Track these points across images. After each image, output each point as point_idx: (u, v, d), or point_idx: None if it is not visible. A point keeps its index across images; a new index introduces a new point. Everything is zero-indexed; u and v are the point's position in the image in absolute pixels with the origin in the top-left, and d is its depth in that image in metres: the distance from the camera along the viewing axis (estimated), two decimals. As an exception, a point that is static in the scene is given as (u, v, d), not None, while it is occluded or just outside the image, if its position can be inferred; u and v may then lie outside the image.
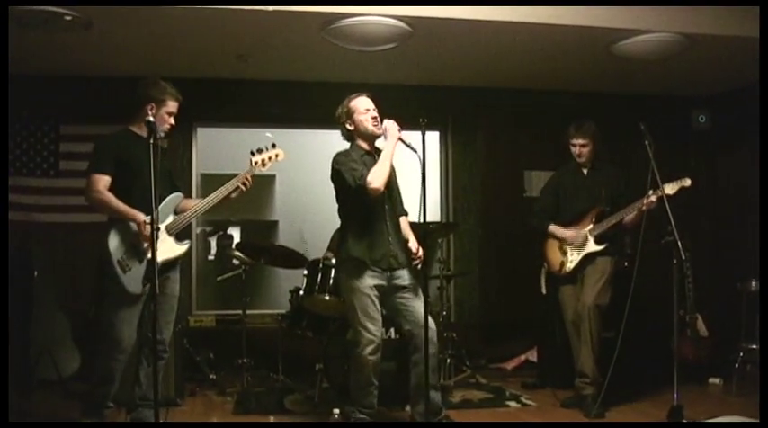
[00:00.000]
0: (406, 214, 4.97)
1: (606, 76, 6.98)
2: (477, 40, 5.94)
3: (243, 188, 4.69)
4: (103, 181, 4.40)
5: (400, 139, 4.53)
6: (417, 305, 4.64)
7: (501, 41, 6.00)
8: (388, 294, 4.70)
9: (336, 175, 4.66)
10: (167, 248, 4.50)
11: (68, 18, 5.15)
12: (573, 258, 5.52)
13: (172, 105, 4.56)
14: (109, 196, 4.40)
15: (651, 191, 5.07)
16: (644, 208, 5.12)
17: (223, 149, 7.54)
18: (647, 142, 4.90)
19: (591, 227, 5.48)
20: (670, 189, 5.07)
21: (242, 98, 7.21)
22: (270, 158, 4.85)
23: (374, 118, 4.69)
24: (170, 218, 4.58)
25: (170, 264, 4.59)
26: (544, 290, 5.92)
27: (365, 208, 4.65)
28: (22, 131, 6.81)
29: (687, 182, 5.09)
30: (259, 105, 7.27)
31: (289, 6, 5.19)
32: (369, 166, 4.58)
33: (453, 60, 6.59)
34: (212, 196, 4.64)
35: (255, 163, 4.80)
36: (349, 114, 4.73)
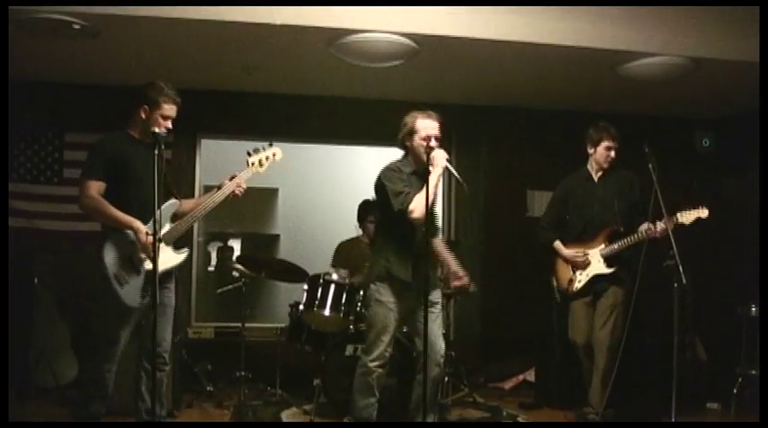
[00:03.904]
0: (437, 235, 4.96)
1: (611, 97, 6.99)
2: (483, 58, 5.96)
3: (239, 193, 4.53)
4: (96, 187, 4.19)
5: (447, 169, 4.42)
6: (435, 326, 4.63)
7: (506, 60, 6.02)
8: (414, 312, 4.67)
9: (381, 190, 4.59)
10: (166, 258, 4.24)
11: (77, 27, 5.17)
12: (581, 278, 5.40)
13: (168, 108, 4.28)
14: (103, 202, 4.18)
15: (666, 219, 4.82)
16: (657, 235, 4.96)
17: (227, 161, 7.50)
18: (650, 165, 4.82)
19: (602, 246, 5.33)
20: (685, 218, 4.96)
21: (247, 110, 7.22)
22: (267, 158, 4.68)
23: (431, 147, 4.46)
24: (167, 227, 4.37)
25: (168, 274, 4.41)
26: (559, 299, 5.67)
27: (408, 228, 4.57)
28: (26, 138, 6.81)
29: (705, 212, 4.94)
30: (263, 118, 7.26)
31: (296, 21, 5.21)
32: (414, 187, 4.51)
33: (458, 78, 6.61)
34: (209, 202, 4.48)
35: (252, 163, 4.63)
36: (411, 133, 4.63)
